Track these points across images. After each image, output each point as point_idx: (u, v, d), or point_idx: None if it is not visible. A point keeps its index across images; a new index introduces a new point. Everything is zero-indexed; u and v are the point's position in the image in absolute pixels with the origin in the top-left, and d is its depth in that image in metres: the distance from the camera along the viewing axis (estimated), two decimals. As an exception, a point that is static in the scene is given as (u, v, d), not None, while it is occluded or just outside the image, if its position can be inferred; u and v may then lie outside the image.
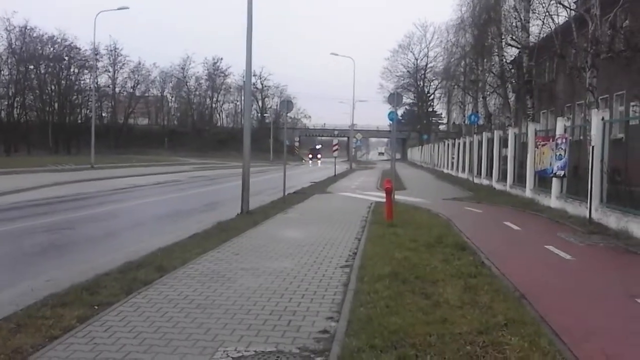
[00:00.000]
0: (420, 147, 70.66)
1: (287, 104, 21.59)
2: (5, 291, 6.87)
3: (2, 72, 71.83)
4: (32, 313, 5.57)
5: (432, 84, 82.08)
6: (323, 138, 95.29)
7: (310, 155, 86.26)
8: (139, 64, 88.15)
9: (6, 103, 72.17)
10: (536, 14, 25.20)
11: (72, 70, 78.16)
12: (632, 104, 20.14)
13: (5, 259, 9.35)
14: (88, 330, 5.09)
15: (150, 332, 5.08)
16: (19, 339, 4.86)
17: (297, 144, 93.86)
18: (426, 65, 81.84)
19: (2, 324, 5.26)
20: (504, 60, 31.67)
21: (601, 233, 11.36)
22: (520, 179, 20.16)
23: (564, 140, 15.21)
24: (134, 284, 6.72)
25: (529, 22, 26.22)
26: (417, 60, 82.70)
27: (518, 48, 28.09)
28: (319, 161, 78.13)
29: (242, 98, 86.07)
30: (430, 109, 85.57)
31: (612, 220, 11.72)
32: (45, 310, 5.64)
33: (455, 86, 47.43)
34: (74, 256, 9.43)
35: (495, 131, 25.93)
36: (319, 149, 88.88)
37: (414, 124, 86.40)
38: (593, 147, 12.68)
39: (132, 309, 5.77)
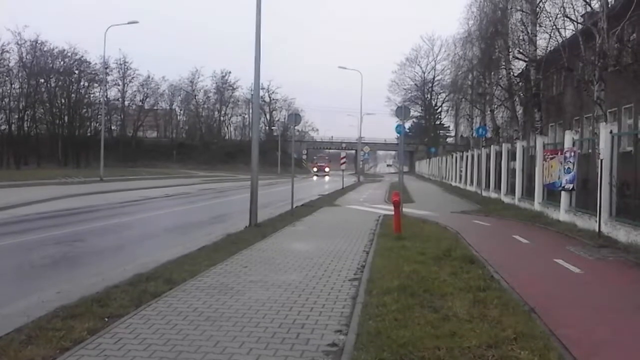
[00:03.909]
0: (428, 159, 70.58)
1: (295, 117, 21.72)
2: (16, 303, 6.93)
3: (12, 85, 72.50)
4: (43, 325, 5.61)
5: (439, 97, 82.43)
6: (331, 151, 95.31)
7: (315, 169, 77.43)
8: (148, 77, 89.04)
9: (17, 116, 72.80)
10: (543, 28, 25.28)
11: (82, 83, 78.82)
12: (640, 116, 20.11)
13: (16, 271, 9.43)
14: (98, 342, 5.12)
15: (160, 344, 5.11)
16: (30, 350, 4.89)
17: (304, 156, 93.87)
18: (433, 79, 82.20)
19: (13, 336, 5.31)
20: (512, 73, 31.72)
21: (611, 246, 11.30)
22: (528, 192, 20.09)
23: (572, 154, 15.18)
24: (143, 296, 6.76)
25: (536, 36, 26.28)
26: (424, 73, 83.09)
27: (525, 61, 28.12)
28: (326, 176, 69.76)
29: (250, 111, 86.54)
30: (437, 122, 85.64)
31: (622, 233, 11.66)
32: (55, 322, 5.68)
33: (463, 99, 47.49)
34: (84, 268, 9.49)
35: (503, 144, 25.89)
36: (326, 159, 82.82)
37: (421, 137, 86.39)
38: (602, 160, 12.64)
39: (142, 321, 5.81)
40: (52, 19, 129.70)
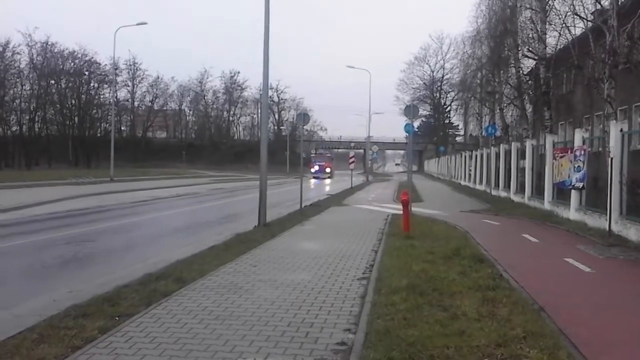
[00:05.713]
0: (437, 159, 70.37)
1: (304, 116, 21.76)
2: (28, 302, 6.99)
3: (23, 87, 73.45)
4: (55, 324, 5.67)
5: (448, 95, 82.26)
6: (339, 150, 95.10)
7: (313, 169, 61.29)
8: (158, 78, 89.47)
9: (27, 117, 73.59)
10: (553, 26, 25.15)
11: (92, 84, 79.47)
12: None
13: (27, 271, 9.51)
14: (109, 341, 5.17)
15: (170, 342, 5.15)
16: (42, 349, 4.95)
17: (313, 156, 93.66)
18: (442, 77, 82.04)
19: (26, 335, 5.37)
20: (521, 71, 31.54)
21: (621, 245, 11.23)
22: (538, 191, 20.01)
23: (582, 152, 15.10)
24: (153, 295, 6.80)
25: (545, 34, 26.15)
26: (433, 72, 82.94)
27: (535, 59, 27.98)
28: (328, 178, 58.59)
29: (259, 111, 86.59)
30: (446, 121, 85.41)
31: (633, 232, 11.59)
32: (67, 321, 5.74)
33: (472, 98, 47.33)
34: (94, 268, 9.57)
35: (512, 143, 25.79)
36: (327, 156, 69.13)
37: (430, 136, 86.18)
38: (612, 158, 12.57)
39: (152, 320, 5.85)
40: (62, 21, 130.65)
